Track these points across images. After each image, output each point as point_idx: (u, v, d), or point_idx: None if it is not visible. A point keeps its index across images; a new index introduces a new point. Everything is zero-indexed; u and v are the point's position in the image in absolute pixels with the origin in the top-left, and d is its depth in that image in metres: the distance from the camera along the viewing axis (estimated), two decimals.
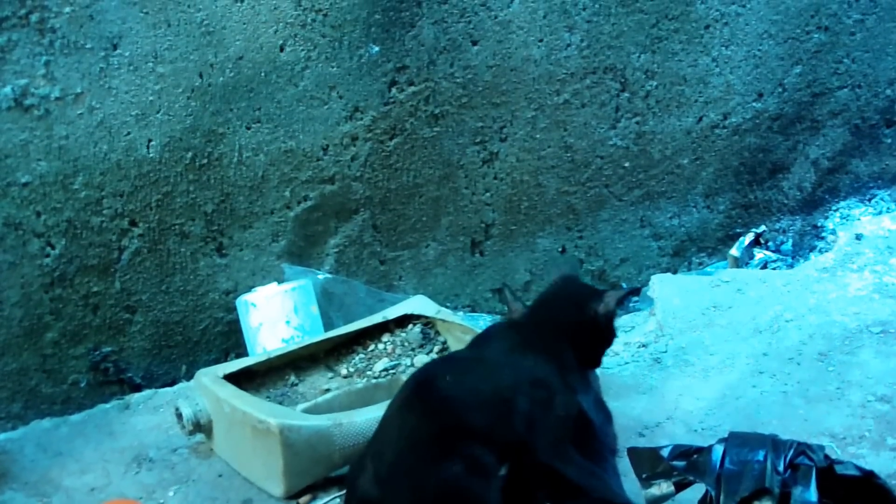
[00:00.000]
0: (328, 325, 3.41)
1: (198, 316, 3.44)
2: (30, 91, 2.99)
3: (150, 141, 3.19)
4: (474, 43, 3.55)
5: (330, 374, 3.03)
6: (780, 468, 2.04)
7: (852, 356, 3.20)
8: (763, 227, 4.29)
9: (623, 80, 3.82)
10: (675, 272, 4.14)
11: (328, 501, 2.59)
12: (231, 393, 2.72)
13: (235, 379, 2.83)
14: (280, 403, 2.82)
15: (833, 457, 2.11)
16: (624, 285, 4.11)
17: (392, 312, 3.18)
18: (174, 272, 3.37)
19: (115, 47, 3.07)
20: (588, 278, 4.05)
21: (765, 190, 4.27)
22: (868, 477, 2.03)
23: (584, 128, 3.81)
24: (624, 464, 2.33)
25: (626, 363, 3.36)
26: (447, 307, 3.44)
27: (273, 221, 3.46)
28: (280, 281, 3.46)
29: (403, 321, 3.18)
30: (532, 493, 2.22)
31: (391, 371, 2.97)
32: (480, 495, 2.07)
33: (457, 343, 3.05)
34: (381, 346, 3.11)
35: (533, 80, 3.67)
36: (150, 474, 2.84)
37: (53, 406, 3.27)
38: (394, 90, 3.48)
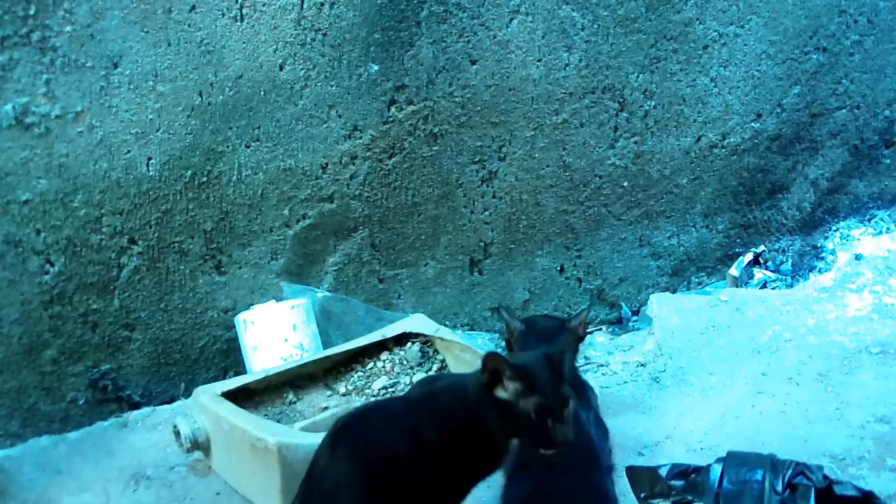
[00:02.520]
0: (327, 343, 3.41)
1: (196, 334, 3.44)
2: (30, 109, 2.99)
3: (149, 159, 3.20)
4: (473, 62, 3.56)
5: (328, 392, 3.02)
6: (779, 488, 2.04)
7: (851, 376, 3.21)
8: (762, 247, 4.30)
9: (621, 100, 3.83)
10: (674, 291, 4.14)
11: None
12: (229, 411, 2.72)
13: (234, 397, 2.82)
14: (278, 421, 2.82)
15: (832, 477, 2.11)
16: (623, 305, 4.12)
17: (391, 331, 3.18)
18: (173, 290, 3.36)
19: (115, 66, 3.07)
20: (587, 297, 4.05)
21: (764, 210, 4.27)
22: (867, 497, 2.03)
23: (582, 147, 3.82)
24: (623, 483, 2.32)
25: (625, 382, 3.36)
26: (446, 326, 3.43)
27: (272, 240, 3.46)
28: (279, 299, 3.46)
29: (402, 339, 3.18)
30: None
31: (390, 389, 2.97)
32: None
33: (455, 361, 3.05)
34: (379, 364, 3.11)
35: (532, 99, 3.68)
36: (148, 493, 2.83)
37: (52, 424, 3.26)
38: (393, 109, 3.49)
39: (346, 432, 2.15)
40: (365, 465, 2.05)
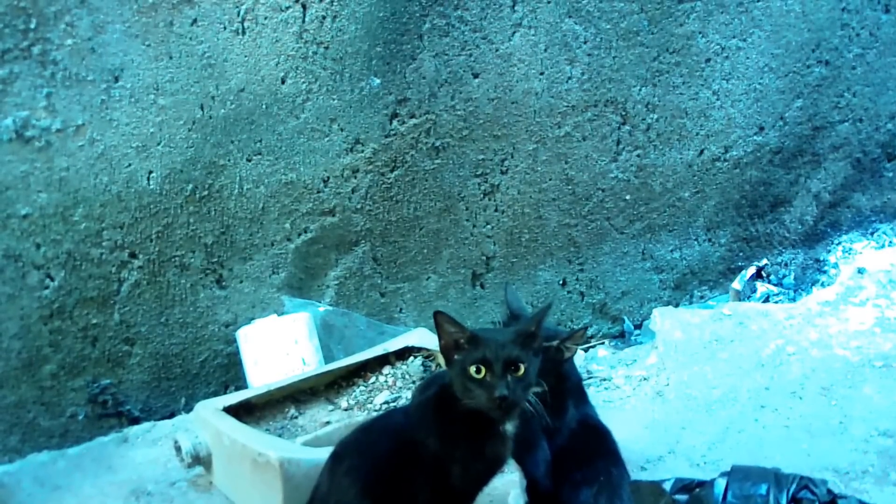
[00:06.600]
0: (328, 358, 3.40)
1: (197, 348, 3.43)
2: (31, 123, 2.99)
3: (150, 173, 3.19)
4: (475, 76, 3.56)
5: (330, 407, 3.01)
6: (783, 502, 2.03)
7: (855, 390, 3.19)
8: (765, 261, 4.29)
9: (624, 113, 3.83)
10: (676, 305, 4.13)
11: None
12: (231, 426, 2.70)
13: (235, 411, 2.81)
14: (280, 436, 2.80)
15: (836, 491, 2.10)
16: (626, 319, 4.11)
17: (393, 345, 3.17)
18: (173, 304, 3.35)
19: (116, 79, 3.07)
20: (589, 311, 4.04)
21: (766, 223, 4.27)
22: None
23: (585, 160, 3.82)
24: None
25: (628, 397, 3.34)
26: None
27: (273, 253, 3.45)
28: (280, 313, 3.45)
29: (404, 354, 3.17)
30: None
31: (392, 404, 2.96)
32: None
33: None
34: (381, 378, 3.09)
35: (534, 112, 3.68)
36: None
37: (51, 439, 3.25)
38: (395, 122, 3.49)
39: (344, 452, 2.15)
40: (366, 482, 2.05)
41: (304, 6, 3.25)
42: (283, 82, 3.30)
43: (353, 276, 3.60)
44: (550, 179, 3.79)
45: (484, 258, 3.80)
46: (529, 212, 3.80)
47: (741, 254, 4.28)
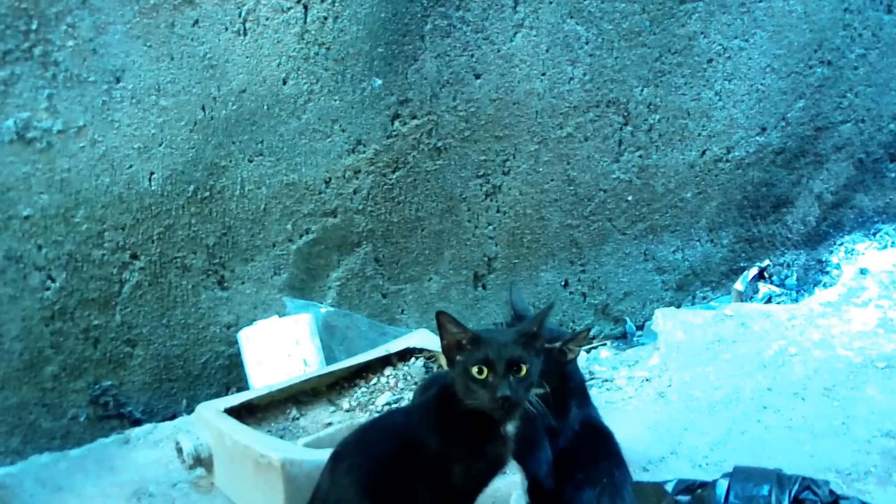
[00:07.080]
0: (330, 359, 3.39)
1: (199, 349, 3.43)
2: (32, 124, 2.99)
3: (152, 174, 3.19)
4: (477, 76, 3.55)
5: (332, 408, 3.01)
6: (785, 503, 2.02)
7: (857, 391, 3.19)
8: (767, 262, 4.28)
9: (626, 114, 3.82)
10: (678, 306, 4.13)
11: None
12: (232, 427, 2.70)
13: (237, 413, 2.80)
14: (282, 437, 2.79)
15: (838, 492, 2.09)
16: (628, 320, 4.10)
17: (394, 346, 3.16)
18: (175, 305, 3.35)
19: (117, 80, 3.07)
20: (591, 312, 4.04)
21: (769, 224, 4.26)
22: None
23: (586, 161, 3.81)
24: None
25: (631, 398, 3.34)
26: None
27: (275, 254, 3.45)
28: (282, 314, 3.45)
29: (406, 355, 3.16)
30: None
31: (394, 405, 2.95)
32: None
33: None
34: (383, 379, 3.09)
35: (536, 113, 3.67)
36: None
37: (53, 440, 3.25)
38: (396, 123, 3.48)
39: (345, 452, 2.14)
40: (367, 482, 2.05)
41: (305, 7, 3.25)
42: (284, 83, 3.30)
43: (354, 277, 3.60)
44: (552, 180, 3.79)
45: (486, 259, 3.79)
46: (531, 212, 3.80)
47: (743, 254, 4.28)
